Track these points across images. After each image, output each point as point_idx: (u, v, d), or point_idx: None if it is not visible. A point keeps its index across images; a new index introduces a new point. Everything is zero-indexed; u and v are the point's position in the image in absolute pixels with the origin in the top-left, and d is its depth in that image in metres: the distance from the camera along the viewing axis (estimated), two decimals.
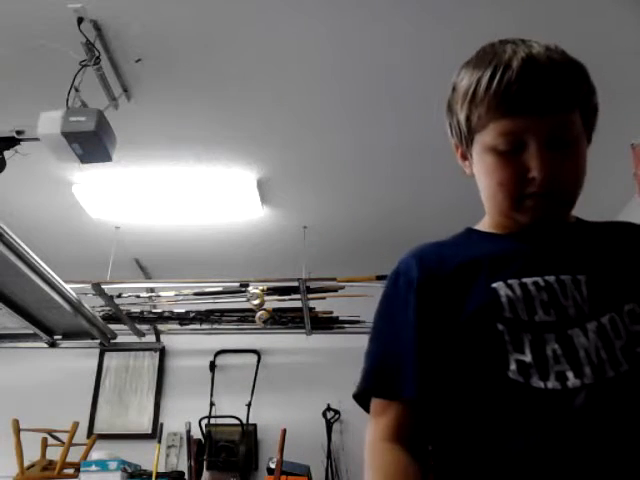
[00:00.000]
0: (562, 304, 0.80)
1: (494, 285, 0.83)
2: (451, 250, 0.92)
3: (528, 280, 0.82)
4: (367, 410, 0.89)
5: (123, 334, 4.16)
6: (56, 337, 3.86)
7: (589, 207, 3.86)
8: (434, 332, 0.84)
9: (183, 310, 4.14)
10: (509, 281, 0.83)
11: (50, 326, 3.75)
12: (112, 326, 3.97)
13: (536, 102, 0.83)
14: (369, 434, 0.86)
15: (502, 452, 0.77)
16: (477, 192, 1.12)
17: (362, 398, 0.89)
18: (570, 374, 0.76)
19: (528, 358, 0.78)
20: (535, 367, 0.78)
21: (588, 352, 0.77)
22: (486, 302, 0.82)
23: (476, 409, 0.81)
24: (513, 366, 0.79)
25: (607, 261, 0.85)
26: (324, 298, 3.86)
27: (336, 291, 3.80)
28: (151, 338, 4.44)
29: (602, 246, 0.89)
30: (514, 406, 0.78)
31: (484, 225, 0.97)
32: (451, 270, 0.87)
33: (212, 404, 4.22)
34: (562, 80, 0.84)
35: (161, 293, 4.05)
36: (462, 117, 0.90)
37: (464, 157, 0.95)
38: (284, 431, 3.57)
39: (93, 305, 3.85)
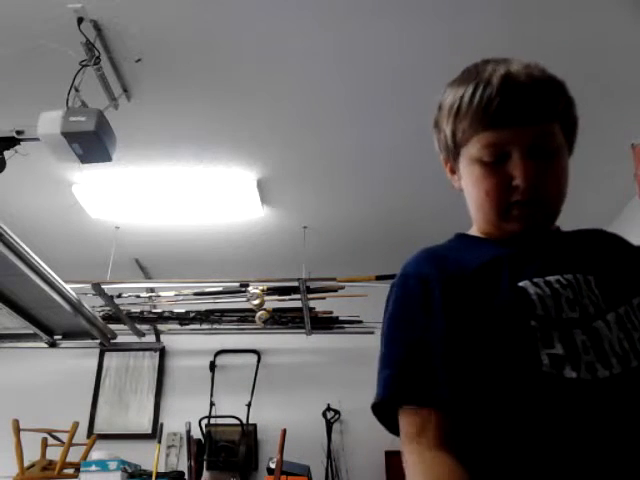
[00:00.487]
0: (583, 301, 0.83)
1: (521, 284, 0.84)
2: (460, 253, 0.93)
3: (552, 278, 0.84)
4: (384, 422, 0.86)
5: (123, 334, 4.16)
6: (56, 337, 3.86)
7: (589, 207, 3.89)
8: (463, 332, 0.83)
9: (183, 310, 4.14)
10: (535, 280, 0.84)
11: (50, 326, 3.75)
12: (112, 326, 3.97)
13: (517, 114, 0.87)
14: (407, 446, 0.81)
15: (542, 444, 0.78)
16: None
17: (382, 408, 0.85)
18: (599, 365, 0.79)
19: (560, 351, 0.80)
20: (567, 359, 0.79)
21: (612, 344, 0.80)
22: (517, 300, 0.83)
23: (513, 406, 0.81)
24: (546, 360, 0.80)
25: (605, 262, 0.89)
26: (324, 298, 3.86)
27: (336, 291, 3.80)
28: (151, 338, 4.44)
29: (595, 249, 0.93)
30: (550, 398, 0.79)
31: (476, 231, 0.99)
32: (473, 269, 0.87)
33: (212, 404, 4.22)
34: (541, 94, 0.88)
35: (161, 293, 4.05)
36: (448, 132, 0.94)
37: (452, 171, 0.99)
38: (284, 431, 3.57)
39: (93, 305, 3.85)
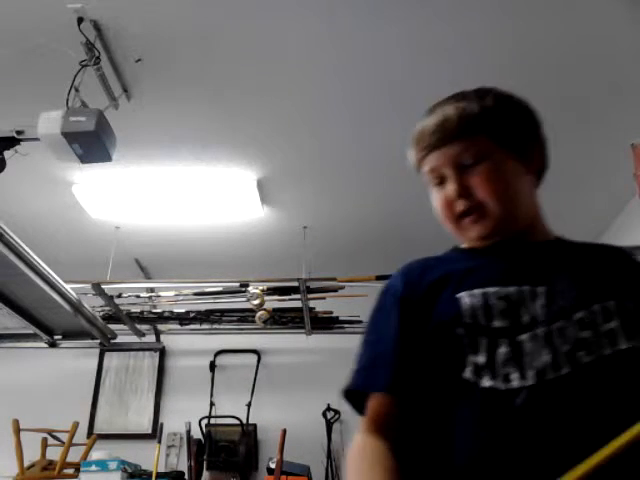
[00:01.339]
0: (518, 312, 0.90)
1: (458, 295, 0.94)
2: (433, 267, 1.03)
3: (490, 289, 0.93)
4: (356, 409, 1.01)
5: (123, 334, 4.16)
6: (56, 337, 3.86)
7: (589, 207, 3.88)
8: (411, 338, 0.96)
9: (183, 310, 4.14)
10: (473, 291, 0.93)
11: (50, 326, 3.75)
12: (112, 326, 3.97)
13: (435, 140, 1.02)
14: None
15: (454, 447, 0.87)
16: None
17: (350, 397, 1.01)
18: (515, 376, 0.86)
19: (482, 360, 0.88)
20: (487, 368, 0.87)
21: (533, 356, 0.86)
22: (450, 309, 0.93)
23: (436, 406, 0.92)
24: (469, 367, 0.89)
25: (566, 275, 0.95)
26: (324, 298, 3.86)
27: (336, 291, 3.80)
28: (151, 338, 4.44)
29: (567, 262, 0.99)
30: (465, 404, 0.88)
31: (464, 244, 1.09)
32: (427, 286, 0.99)
33: (212, 404, 4.22)
34: (452, 120, 1.02)
35: (161, 293, 4.05)
36: (412, 164, 1.08)
37: None
38: (284, 431, 3.57)
39: (93, 305, 3.85)
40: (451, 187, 1.00)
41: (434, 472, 0.90)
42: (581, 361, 0.85)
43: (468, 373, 0.88)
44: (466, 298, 0.93)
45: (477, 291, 0.93)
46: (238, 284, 3.79)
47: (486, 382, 0.86)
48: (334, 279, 3.73)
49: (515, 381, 0.85)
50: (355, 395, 1.00)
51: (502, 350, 0.88)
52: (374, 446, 0.91)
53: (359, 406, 0.99)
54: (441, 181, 1.03)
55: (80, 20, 2.34)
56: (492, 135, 1.03)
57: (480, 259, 1.01)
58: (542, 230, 1.08)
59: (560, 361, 0.85)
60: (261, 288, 3.75)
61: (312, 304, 3.91)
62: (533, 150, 1.09)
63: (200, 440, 3.99)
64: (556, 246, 1.05)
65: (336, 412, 4.20)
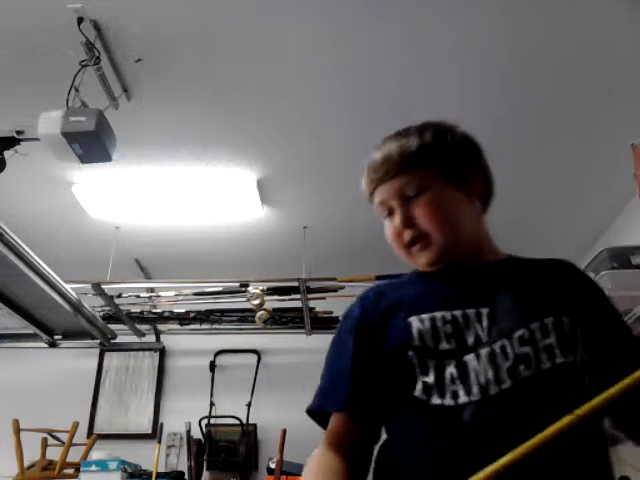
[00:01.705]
0: (463, 334, 0.98)
1: (409, 320, 1.01)
2: (388, 293, 1.12)
3: (438, 314, 1.00)
4: (321, 425, 1.11)
5: (123, 334, 4.15)
6: (56, 337, 3.86)
7: (590, 207, 3.87)
8: (366, 361, 1.05)
9: (183, 310, 4.14)
10: (422, 315, 1.01)
11: (50, 326, 3.75)
12: (112, 326, 3.97)
13: (381, 175, 1.11)
14: None
15: (405, 462, 0.96)
16: None
17: (314, 415, 1.12)
18: (461, 392, 0.93)
19: (431, 380, 0.96)
20: (436, 387, 0.95)
21: (478, 374, 0.94)
22: (401, 334, 1.01)
23: (392, 424, 1.02)
24: (419, 386, 0.96)
25: (509, 294, 1.01)
26: (324, 298, 3.86)
27: (336, 291, 3.80)
28: (151, 338, 4.44)
29: (511, 281, 1.05)
30: (416, 421, 0.96)
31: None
32: (381, 312, 1.07)
33: (212, 404, 4.22)
34: (392, 156, 1.10)
35: (161, 293, 4.05)
36: (363, 192, 1.17)
37: None
38: (284, 431, 3.57)
39: (93, 305, 3.85)
40: (397, 218, 1.08)
41: None
42: (521, 375, 0.92)
43: (418, 392, 0.96)
44: (415, 322, 1.00)
45: (425, 316, 1.00)
46: (238, 284, 3.79)
47: (435, 400, 0.94)
48: (334, 279, 3.73)
49: (462, 397, 0.93)
50: (317, 414, 1.11)
51: (449, 370, 0.95)
52: (330, 460, 1.02)
53: (323, 422, 1.10)
54: (390, 212, 1.11)
55: (80, 20, 2.34)
56: (432, 166, 1.10)
57: (431, 284, 1.09)
58: (491, 250, 1.13)
59: (502, 376, 0.93)
60: (261, 288, 3.75)
61: (312, 304, 3.91)
62: (474, 177, 1.13)
63: (200, 440, 3.99)
64: (503, 265, 1.10)
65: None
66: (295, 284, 3.73)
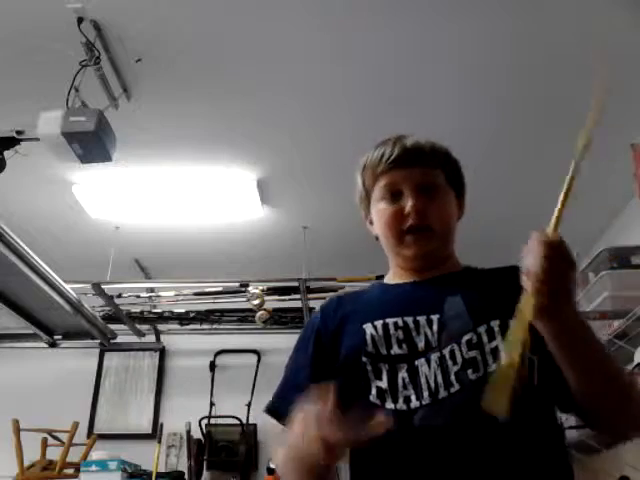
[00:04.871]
0: (414, 340, 1.01)
1: (364, 326, 1.05)
2: (347, 301, 1.16)
3: (390, 320, 1.04)
4: (280, 423, 1.13)
5: (123, 334, 4.16)
6: (56, 337, 3.86)
7: (590, 207, 3.87)
8: (322, 366, 1.09)
9: (183, 310, 4.14)
10: (375, 322, 1.05)
11: (50, 326, 3.75)
12: (112, 326, 3.97)
13: (404, 159, 1.11)
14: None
15: (365, 466, 1.00)
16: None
17: (272, 414, 1.18)
18: (413, 397, 0.97)
19: (384, 385, 1.00)
20: (389, 392, 0.99)
21: (428, 378, 0.98)
22: (356, 340, 1.05)
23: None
24: (373, 391, 1.00)
25: (459, 301, 1.04)
26: (324, 298, 3.85)
27: (336, 291, 3.80)
28: (151, 338, 4.44)
29: (462, 289, 1.07)
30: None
31: (387, 277, 1.21)
32: (339, 318, 1.11)
33: (212, 404, 4.22)
34: (424, 148, 1.13)
35: (161, 293, 4.05)
36: (360, 185, 1.19)
37: (370, 222, 1.21)
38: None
39: (93, 305, 3.85)
40: (410, 203, 1.09)
41: None
42: (468, 379, 0.96)
43: (373, 397, 1.00)
44: (369, 329, 1.04)
45: (378, 322, 1.04)
46: (238, 284, 3.79)
47: (389, 404, 0.98)
48: (334, 279, 3.73)
49: (413, 402, 0.97)
50: (274, 413, 1.16)
51: (401, 375, 0.99)
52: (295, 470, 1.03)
53: (282, 420, 1.11)
54: (394, 196, 1.11)
55: (80, 20, 2.33)
56: (447, 173, 1.15)
57: (388, 293, 1.14)
58: (452, 263, 1.17)
59: (451, 380, 0.96)
60: (261, 288, 3.75)
61: (312, 304, 3.91)
62: (464, 199, 1.20)
63: (200, 440, 3.99)
64: (456, 275, 1.14)
65: None
66: (295, 284, 3.73)
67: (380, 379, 1.00)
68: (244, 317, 4.06)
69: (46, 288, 3.09)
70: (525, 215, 3.60)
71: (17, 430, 3.68)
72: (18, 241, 2.71)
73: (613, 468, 2.74)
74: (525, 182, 3.35)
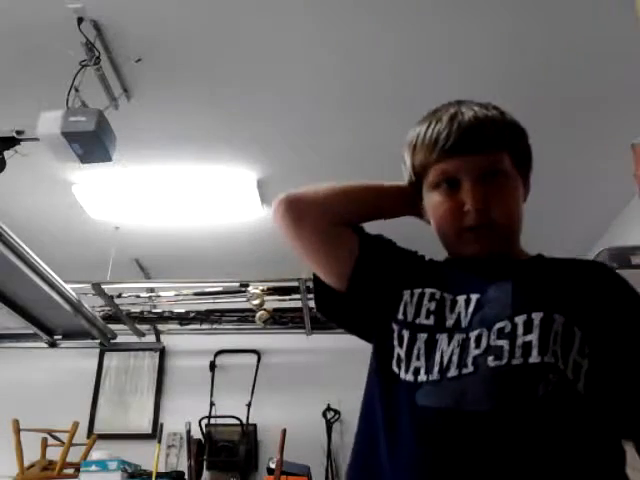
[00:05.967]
0: (445, 315, 0.94)
1: (403, 291, 0.99)
2: (423, 261, 1.10)
3: (428, 290, 0.97)
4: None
5: (123, 334, 4.16)
6: (56, 337, 3.86)
7: (590, 207, 3.86)
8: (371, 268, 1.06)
9: (183, 310, 4.14)
10: (415, 290, 0.98)
11: (50, 326, 3.75)
12: (112, 326, 3.98)
13: (463, 144, 0.96)
14: None
15: (376, 441, 0.91)
16: None
17: None
18: (422, 370, 0.89)
19: (402, 353, 0.93)
20: (404, 360, 0.92)
21: (443, 354, 0.89)
22: (391, 303, 0.99)
23: (374, 396, 0.96)
24: (395, 358, 0.93)
25: (507, 286, 0.94)
26: None
27: None
28: (151, 338, 4.45)
29: (516, 273, 0.97)
30: (390, 392, 0.92)
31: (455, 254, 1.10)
32: (404, 264, 1.07)
33: (212, 404, 4.22)
34: (485, 127, 0.98)
35: (161, 293, 4.05)
36: (409, 165, 1.06)
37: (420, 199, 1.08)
38: (284, 431, 3.57)
39: (93, 305, 3.85)
40: (470, 198, 0.96)
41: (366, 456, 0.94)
42: (486, 365, 0.86)
43: (394, 364, 0.93)
44: (407, 295, 0.98)
45: (417, 290, 0.98)
46: (238, 284, 3.79)
47: (402, 374, 0.91)
48: None
49: (421, 375, 0.89)
50: None
51: (418, 345, 0.92)
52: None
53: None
54: (451, 187, 0.98)
55: (80, 20, 2.33)
56: (513, 154, 1.00)
57: (443, 268, 1.05)
58: (518, 252, 1.05)
59: (467, 362, 0.87)
60: (261, 288, 3.76)
61: (312, 304, 3.91)
62: (529, 181, 1.07)
63: (200, 440, 3.99)
64: (524, 263, 1.03)
65: (336, 412, 4.20)
66: (295, 284, 3.73)
67: (401, 346, 0.93)
68: (244, 317, 4.06)
69: (46, 288, 3.09)
70: (533, 209, 3.60)
71: (17, 430, 3.68)
72: (18, 241, 2.71)
73: None
74: None
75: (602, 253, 2.62)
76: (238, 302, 3.91)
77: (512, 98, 2.77)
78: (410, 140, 1.05)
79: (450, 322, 0.92)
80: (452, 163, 0.97)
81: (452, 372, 0.87)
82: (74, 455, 3.74)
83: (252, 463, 4.04)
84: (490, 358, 0.86)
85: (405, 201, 1.11)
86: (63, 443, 3.73)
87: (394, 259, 1.08)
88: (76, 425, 3.77)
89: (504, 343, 0.87)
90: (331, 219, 1.06)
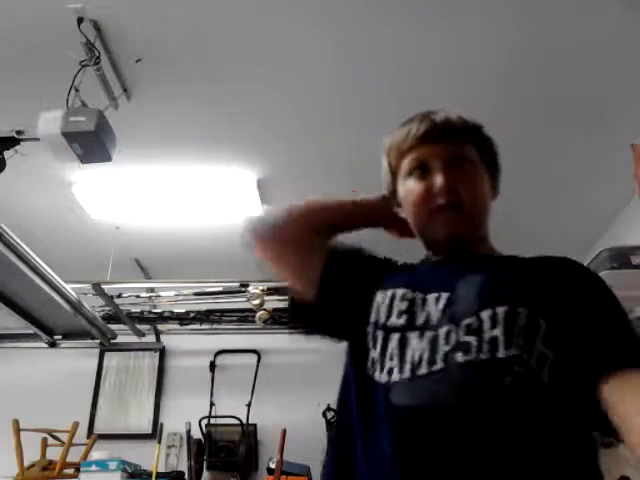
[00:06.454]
0: (415, 314, 0.96)
1: (377, 292, 1.03)
2: (392, 267, 1.15)
3: (400, 290, 1.00)
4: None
5: (123, 334, 4.16)
6: (56, 337, 3.87)
7: (590, 207, 3.86)
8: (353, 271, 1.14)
9: (183, 310, 4.14)
10: (387, 291, 1.02)
11: (50, 326, 3.75)
12: (112, 326, 3.98)
13: (433, 134, 1.05)
14: None
15: (353, 441, 0.94)
16: None
17: None
18: (396, 369, 0.91)
19: (377, 354, 0.95)
20: (379, 361, 0.94)
21: (414, 353, 0.92)
22: (364, 306, 1.03)
23: (351, 394, 0.99)
24: (369, 361, 0.96)
25: (474, 282, 0.97)
26: None
27: None
28: (151, 338, 4.44)
29: (484, 269, 1.00)
30: (366, 394, 0.95)
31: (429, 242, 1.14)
32: (378, 268, 1.13)
33: (212, 404, 4.22)
34: (454, 122, 1.07)
35: (161, 293, 4.05)
36: (385, 167, 1.15)
37: (399, 205, 1.14)
38: (284, 431, 3.57)
39: (93, 305, 3.85)
40: (439, 179, 1.03)
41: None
42: (455, 360, 0.88)
43: (369, 366, 0.96)
44: (379, 296, 1.02)
45: (389, 292, 1.01)
46: (238, 284, 3.79)
47: (377, 375, 0.93)
48: None
49: (394, 375, 0.91)
50: None
51: (391, 345, 0.94)
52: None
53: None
54: (422, 173, 1.06)
55: (80, 20, 2.33)
56: (479, 149, 1.09)
57: (417, 266, 1.11)
58: (487, 246, 1.11)
59: (436, 358, 0.90)
60: (261, 288, 3.75)
61: None
62: (497, 181, 1.14)
63: (200, 440, 3.99)
64: (493, 258, 1.08)
65: (336, 412, 4.19)
66: None
67: (375, 348, 0.96)
68: (244, 317, 4.06)
69: (46, 288, 3.09)
70: (522, 214, 3.60)
71: (17, 430, 3.68)
72: (18, 241, 2.72)
73: (613, 468, 2.74)
74: (524, 181, 3.34)
75: (602, 253, 2.62)
76: (238, 302, 3.91)
77: (512, 98, 2.78)
78: (386, 144, 1.15)
79: (421, 320, 0.95)
80: (423, 150, 1.05)
81: (423, 369, 0.89)
82: (74, 455, 3.74)
83: (252, 463, 4.04)
84: (459, 354, 0.89)
85: (370, 214, 1.22)
86: (63, 443, 3.73)
87: (365, 263, 1.14)
88: (76, 425, 3.77)
89: (472, 339, 0.89)
90: (299, 232, 1.18)
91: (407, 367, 0.91)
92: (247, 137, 3.09)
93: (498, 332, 0.89)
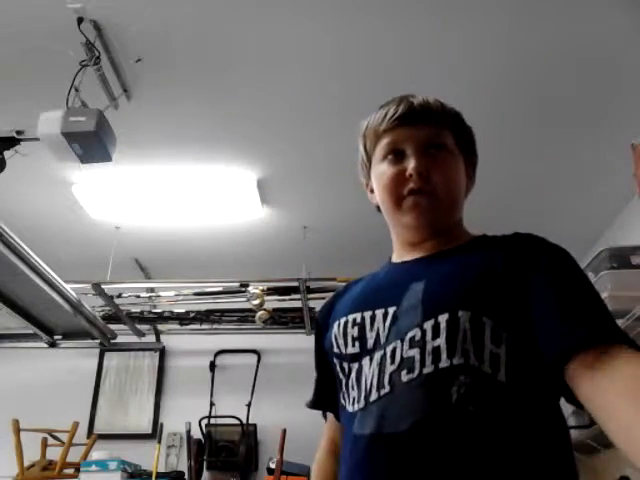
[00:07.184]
0: (366, 337, 0.94)
1: (334, 324, 1.02)
2: (342, 294, 1.12)
3: (350, 317, 0.98)
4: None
5: (123, 334, 4.16)
6: (56, 337, 3.86)
7: (589, 207, 3.86)
8: (320, 362, 1.12)
9: (183, 310, 4.14)
10: (340, 319, 1.00)
11: (50, 326, 3.75)
12: (112, 326, 3.97)
13: (409, 117, 1.02)
14: None
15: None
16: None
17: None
18: (356, 399, 0.91)
19: (344, 385, 0.97)
20: (346, 392, 0.96)
21: (366, 380, 0.90)
22: (328, 339, 1.03)
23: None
24: (341, 392, 0.98)
25: (420, 289, 0.93)
26: (324, 298, 3.84)
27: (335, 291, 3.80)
28: (151, 338, 4.44)
29: (431, 272, 0.96)
30: (343, 425, 0.98)
31: (393, 255, 1.12)
32: (330, 316, 1.08)
33: (212, 404, 4.22)
34: (431, 106, 1.05)
35: (161, 293, 4.05)
36: (361, 149, 1.11)
37: (371, 190, 1.12)
38: (284, 431, 3.57)
39: (93, 305, 3.85)
40: (412, 164, 0.99)
41: None
42: (400, 380, 0.85)
43: (341, 398, 0.98)
44: (334, 328, 1.01)
45: (342, 319, 1.00)
46: (238, 284, 3.79)
47: (348, 406, 0.94)
48: (334, 279, 3.72)
49: (355, 405, 0.91)
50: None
51: (352, 375, 0.94)
52: (320, 460, 1.15)
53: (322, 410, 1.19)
54: (396, 157, 1.02)
55: (80, 20, 2.33)
56: (455, 134, 1.06)
57: (374, 280, 1.07)
58: (456, 235, 1.05)
59: (384, 382, 0.87)
60: (261, 288, 3.75)
61: (312, 304, 3.91)
62: (474, 166, 1.11)
63: (200, 440, 3.99)
64: (457, 250, 1.00)
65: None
66: (295, 284, 3.73)
67: (343, 379, 0.97)
68: (244, 317, 4.06)
69: (46, 288, 3.09)
70: (522, 214, 3.60)
71: (17, 430, 3.68)
72: (18, 241, 2.71)
73: (613, 468, 2.74)
74: (524, 181, 3.35)
75: (602, 253, 2.62)
76: (238, 302, 3.91)
77: (512, 98, 2.78)
78: (362, 126, 1.11)
79: (370, 343, 0.93)
80: (398, 133, 1.02)
81: (373, 396, 0.88)
82: (74, 455, 3.74)
83: (252, 463, 4.04)
84: (403, 373, 0.85)
85: None
86: (63, 443, 3.73)
87: (327, 313, 1.12)
88: (76, 425, 3.77)
89: (415, 352, 0.86)
90: None
91: (362, 395, 0.89)
92: (247, 137, 3.09)
93: (440, 341, 0.85)
